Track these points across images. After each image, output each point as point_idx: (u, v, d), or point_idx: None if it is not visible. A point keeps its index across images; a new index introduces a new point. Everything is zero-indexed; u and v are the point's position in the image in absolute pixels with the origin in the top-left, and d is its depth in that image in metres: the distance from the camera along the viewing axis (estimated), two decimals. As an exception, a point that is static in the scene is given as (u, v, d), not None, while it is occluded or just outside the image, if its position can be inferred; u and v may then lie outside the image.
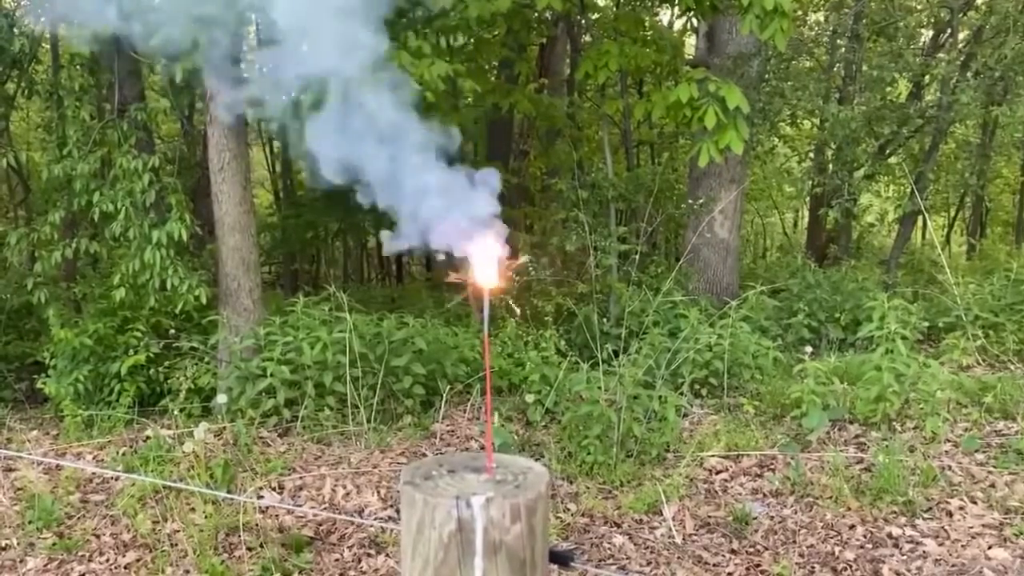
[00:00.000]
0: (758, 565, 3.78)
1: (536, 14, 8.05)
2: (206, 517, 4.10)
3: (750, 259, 15.57)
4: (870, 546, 3.90)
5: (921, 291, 8.86)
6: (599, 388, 5.05)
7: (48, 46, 8.26)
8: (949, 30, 10.80)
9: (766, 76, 9.60)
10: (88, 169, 6.06)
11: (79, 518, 4.31)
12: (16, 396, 6.76)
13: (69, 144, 6.12)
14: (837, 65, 11.78)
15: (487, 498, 1.27)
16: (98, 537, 4.11)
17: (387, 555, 3.91)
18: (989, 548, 3.82)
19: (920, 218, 12.02)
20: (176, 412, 5.35)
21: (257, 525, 4.07)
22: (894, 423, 5.40)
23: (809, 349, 6.06)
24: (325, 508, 4.43)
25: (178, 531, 4.02)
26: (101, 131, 6.31)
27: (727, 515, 4.26)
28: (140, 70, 7.66)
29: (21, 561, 3.87)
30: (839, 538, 3.99)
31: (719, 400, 6.13)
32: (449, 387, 5.96)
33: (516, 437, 5.35)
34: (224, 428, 5.33)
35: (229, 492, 4.46)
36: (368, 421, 5.46)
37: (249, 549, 3.88)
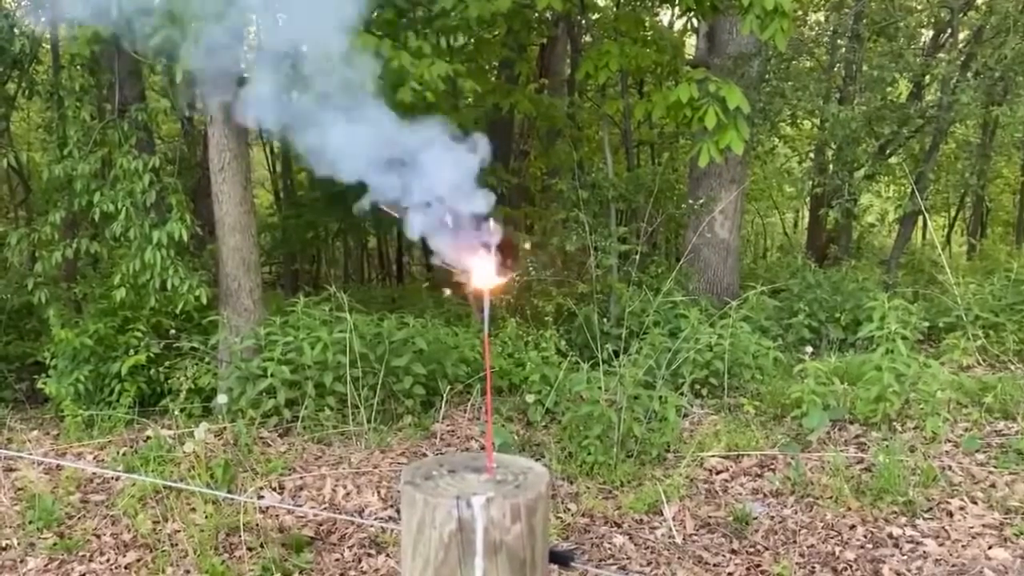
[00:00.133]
0: (758, 565, 3.78)
1: (536, 14, 8.05)
2: (206, 517, 4.10)
3: (750, 259, 15.56)
4: (870, 546, 3.90)
5: (921, 291, 8.86)
6: (599, 388, 5.05)
7: (48, 46, 8.27)
8: (949, 30, 10.79)
9: (766, 76, 9.60)
10: (89, 169, 6.06)
11: (79, 518, 4.31)
12: (17, 396, 6.76)
13: (70, 144, 6.12)
14: (837, 65, 11.77)
15: (487, 498, 1.27)
16: (98, 537, 4.11)
17: (387, 555, 3.92)
18: (989, 548, 3.82)
19: (920, 218, 12.02)
20: (176, 412, 5.35)
21: (257, 525, 4.08)
22: (894, 423, 5.40)
23: (809, 349, 6.06)
24: (325, 508, 4.44)
25: (178, 531, 4.03)
26: (102, 131, 6.31)
27: (727, 515, 4.26)
28: (140, 70, 7.66)
29: (22, 561, 3.87)
30: (839, 538, 3.99)
31: (719, 400, 6.13)
32: (449, 387, 5.96)
33: (516, 437, 5.35)
34: (224, 428, 5.33)
35: (229, 492, 4.46)
36: (368, 421, 5.46)
37: (249, 549, 3.88)
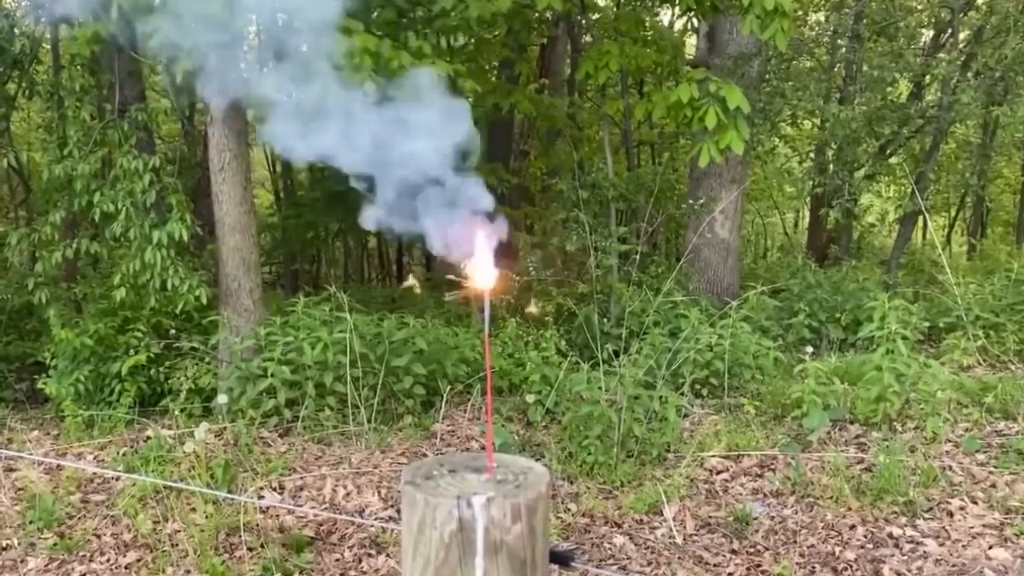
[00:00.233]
0: (759, 565, 3.78)
1: (536, 14, 8.05)
2: (207, 517, 4.10)
3: (751, 259, 15.56)
4: (871, 546, 3.90)
5: (922, 291, 8.86)
6: (600, 388, 5.05)
7: (49, 46, 8.27)
8: (950, 30, 10.79)
9: (767, 76, 9.60)
10: (89, 169, 6.07)
11: (80, 518, 4.31)
12: (17, 396, 6.76)
13: (70, 144, 6.13)
14: (838, 65, 11.77)
15: (488, 498, 1.27)
16: (99, 537, 4.11)
17: (388, 555, 3.92)
18: (990, 548, 3.82)
19: (921, 218, 12.02)
20: (177, 412, 5.35)
21: (258, 525, 4.08)
22: (895, 423, 5.40)
23: (810, 349, 6.06)
24: (326, 508, 4.44)
25: (179, 531, 4.03)
26: (102, 131, 6.31)
27: (728, 515, 4.26)
28: (141, 70, 7.66)
29: (22, 561, 3.87)
30: (840, 538, 3.99)
31: (720, 400, 6.13)
32: (449, 387, 5.96)
33: (517, 437, 5.35)
34: (225, 428, 5.33)
35: (230, 492, 4.46)
36: (369, 421, 5.46)
37: (250, 549, 3.88)
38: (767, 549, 3.93)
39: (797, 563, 3.78)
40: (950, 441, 5.12)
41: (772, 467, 4.92)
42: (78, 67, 6.45)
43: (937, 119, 9.68)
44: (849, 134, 9.59)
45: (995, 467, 4.69)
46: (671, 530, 4.13)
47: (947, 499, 4.31)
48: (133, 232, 5.96)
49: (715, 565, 3.80)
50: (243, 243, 5.97)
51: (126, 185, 6.03)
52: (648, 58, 7.61)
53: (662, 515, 4.28)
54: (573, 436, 5.05)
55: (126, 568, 3.82)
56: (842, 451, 4.98)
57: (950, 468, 4.70)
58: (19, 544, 4.00)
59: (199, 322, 6.30)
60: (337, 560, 3.89)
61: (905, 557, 3.79)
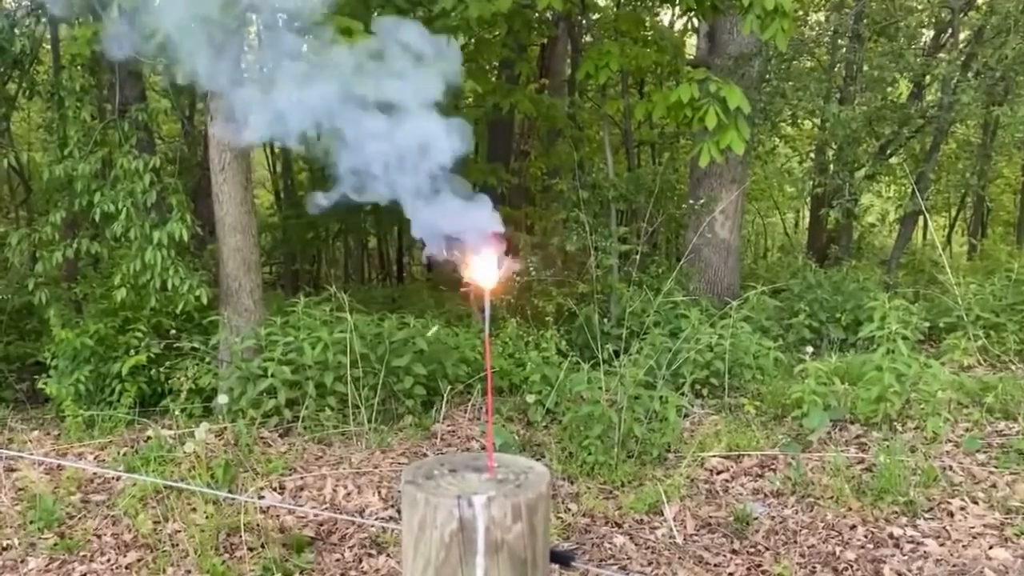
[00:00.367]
0: (759, 565, 3.78)
1: (537, 14, 8.05)
2: (207, 517, 4.10)
3: (751, 259, 15.57)
4: (871, 546, 3.90)
5: (922, 291, 8.86)
6: (600, 388, 5.05)
7: (49, 46, 8.27)
8: (950, 30, 10.79)
9: (767, 76, 9.60)
10: (89, 169, 6.07)
11: (80, 518, 4.31)
12: (17, 396, 6.76)
13: (70, 144, 6.13)
14: (838, 65, 11.78)
15: (488, 497, 1.27)
16: (99, 537, 4.11)
17: (388, 555, 3.92)
18: (990, 548, 3.82)
19: (921, 218, 12.02)
20: (177, 412, 5.35)
21: (258, 525, 4.08)
22: (895, 423, 5.40)
23: (810, 349, 6.06)
24: (326, 508, 4.44)
25: (179, 531, 4.03)
26: (102, 131, 6.31)
27: (728, 515, 4.26)
28: (141, 71, 7.66)
29: (22, 561, 3.87)
30: (840, 538, 3.99)
31: (720, 400, 6.13)
32: (450, 387, 5.96)
33: (517, 437, 5.35)
34: (225, 428, 5.33)
35: (230, 492, 4.46)
36: (369, 421, 5.46)
37: (250, 549, 3.88)
38: (767, 549, 3.93)
39: (797, 563, 3.78)
40: (950, 441, 5.12)
41: (772, 467, 4.92)
42: (78, 67, 6.45)
43: (937, 119, 9.69)
44: (849, 134, 9.60)
45: (995, 467, 4.69)
46: (671, 530, 4.13)
47: (947, 499, 4.31)
48: (133, 232, 5.97)
49: (715, 565, 3.80)
50: (243, 243, 5.97)
51: (126, 185, 6.03)
52: (648, 58, 7.62)
53: (662, 515, 4.28)
54: (573, 436, 5.05)
55: (126, 568, 3.83)
56: (842, 451, 4.98)
57: (950, 468, 4.70)
58: (19, 544, 4.00)
59: (199, 322, 6.30)
60: (337, 560, 3.89)
61: (906, 557, 3.79)
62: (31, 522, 4.17)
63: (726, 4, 6.55)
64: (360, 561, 3.88)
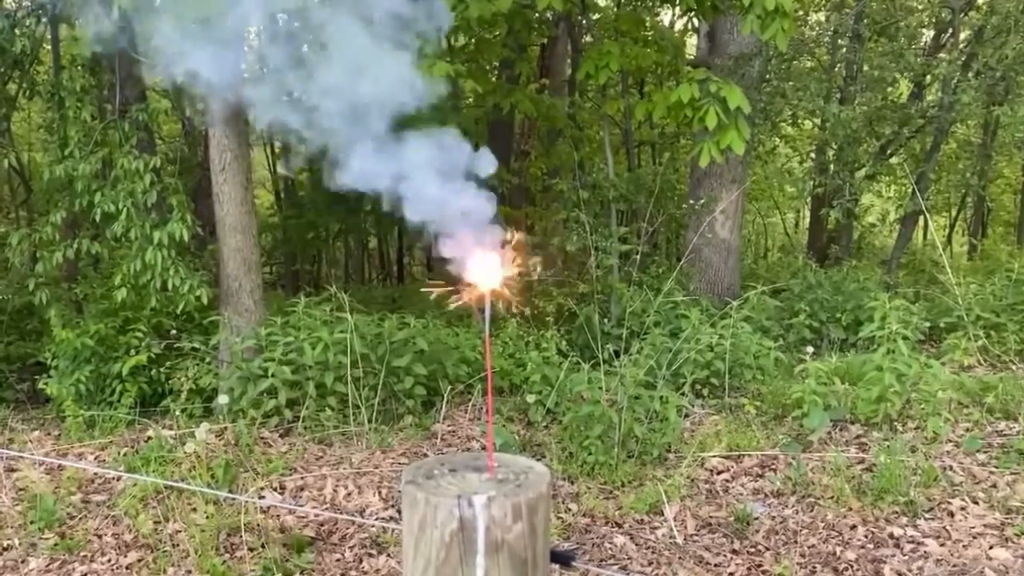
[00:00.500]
0: (759, 565, 3.78)
1: (537, 14, 8.06)
2: (207, 517, 4.10)
3: (751, 259, 15.57)
4: (871, 546, 3.90)
5: (922, 291, 8.85)
6: (600, 388, 5.05)
7: (49, 47, 8.27)
8: (950, 30, 10.80)
9: (767, 76, 9.60)
10: (89, 170, 6.07)
11: (81, 518, 4.31)
12: (18, 397, 6.77)
13: (70, 145, 6.13)
14: (838, 65, 11.78)
15: (489, 497, 1.27)
16: (100, 537, 4.11)
17: (388, 555, 3.92)
18: (990, 548, 3.82)
19: (921, 218, 12.02)
20: (177, 412, 5.36)
21: (258, 525, 4.08)
22: (895, 423, 5.40)
23: (810, 349, 6.05)
24: (326, 508, 4.44)
25: (179, 531, 4.03)
26: (102, 132, 6.32)
27: (728, 515, 4.26)
28: (141, 71, 7.66)
29: (23, 561, 3.88)
30: (840, 538, 3.99)
31: (720, 400, 6.13)
32: (450, 387, 5.96)
33: (517, 437, 5.35)
34: (225, 428, 5.33)
35: (230, 492, 4.47)
36: (369, 421, 5.46)
37: (250, 549, 3.88)
38: (768, 549, 3.93)
39: (798, 563, 3.78)
40: (951, 441, 5.12)
41: (773, 467, 4.92)
42: (79, 67, 6.46)
43: (938, 119, 9.68)
44: (850, 134, 9.60)
45: (996, 467, 4.69)
46: (672, 530, 4.13)
47: (948, 499, 4.31)
48: (134, 232, 5.97)
49: (716, 565, 3.80)
50: (244, 243, 5.97)
51: (127, 185, 6.03)
52: (649, 58, 7.62)
53: (663, 515, 4.28)
54: (574, 436, 5.05)
55: (127, 568, 3.83)
56: (843, 451, 4.98)
57: (951, 468, 4.69)
58: (20, 544, 4.00)
59: (200, 322, 6.30)
60: (338, 560, 3.89)
61: (906, 557, 3.79)
62: (32, 522, 4.17)
63: (726, 4, 6.55)
64: (360, 561, 3.88)
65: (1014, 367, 6.73)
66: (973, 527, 4.02)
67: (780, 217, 18.93)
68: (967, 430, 5.29)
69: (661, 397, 5.15)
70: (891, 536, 3.98)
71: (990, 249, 13.25)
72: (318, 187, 12.40)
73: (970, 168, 12.35)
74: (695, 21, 9.81)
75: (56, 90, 6.51)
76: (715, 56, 8.80)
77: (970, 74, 9.34)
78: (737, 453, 5.08)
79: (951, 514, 4.16)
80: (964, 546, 3.85)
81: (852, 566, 3.73)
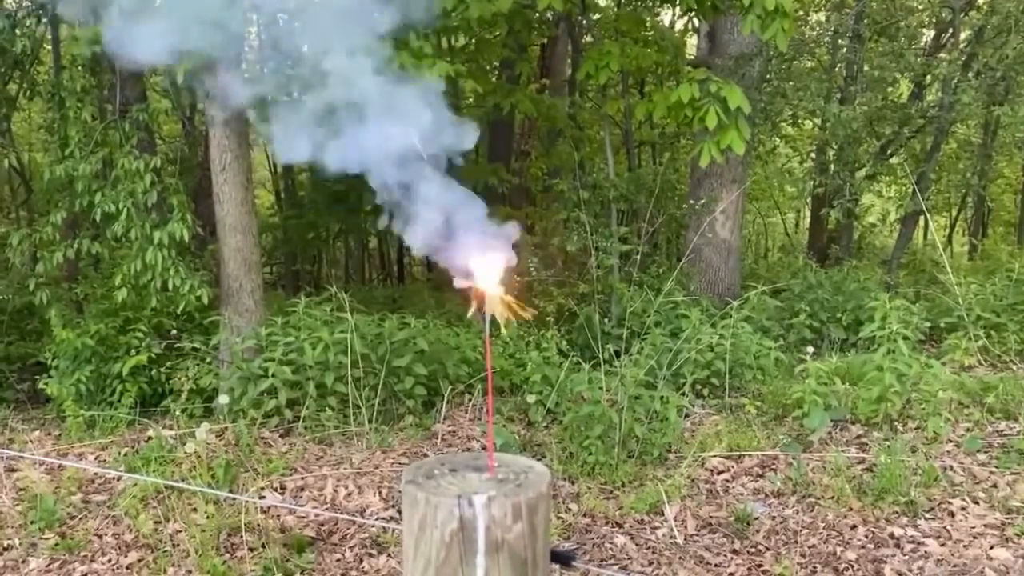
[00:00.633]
0: (760, 565, 3.78)
1: (537, 14, 8.05)
2: (208, 517, 4.10)
3: (752, 259, 15.56)
4: (872, 546, 3.90)
5: (923, 291, 8.85)
6: (600, 388, 5.05)
7: (50, 47, 8.27)
8: (951, 30, 10.79)
9: (767, 76, 9.60)
10: (90, 170, 6.07)
11: (81, 518, 4.31)
12: (18, 397, 6.77)
13: (71, 145, 6.13)
14: (839, 65, 11.77)
15: (489, 497, 1.27)
16: (100, 537, 4.11)
17: (389, 555, 3.92)
18: (991, 548, 3.82)
19: (922, 218, 12.01)
20: (178, 412, 5.36)
21: (259, 525, 4.08)
22: (896, 423, 5.40)
23: (811, 349, 6.05)
24: (327, 508, 4.44)
25: (180, 531, 4.03)
26: (103, 132, 6.32)
27: (729, 515, 4.26)
28: (142, 71, 7.67)
29: (23, 561, 3.88)
30: (841, 538, 3.99)
31: (721, 400, 6.13)
32: (451, 387, 5.96)
33: (517, 437, 5.35)
34: (226, 428, 5.33)
35: (231, 492, 4.47)
36: (369, 421, 5.46)
37: (251, 549, 3.89)
38: (768, 549, 3.93)
39: (798, 563, 3.78)
40: (951, 441, 5.12)
41: (773, 467, 4.92)
42: (79, 67, 6.46)
43: (938, 119, 9.68)
44: (850, 134, 9.60)
45: (996, 467, 4.69)
46: (672, 530, 4.13)
47: (948, 499, 4.31)
48: (134, 232, 5.97)
49: (716, 565, 3.80)
50: (244, 243, 5.98)
51: (127, 185, 6.04)
52: (649, 58, 7.61)
53: (663, 515, 4.28)
54: (574, 436, 5.05)
55: (127, 568, 3.83)
56: (843, 451, 4.97)
57: (951, 468, 4.69)
58: (20, 544, 4.00)
59: (200, 322, 6.30)
60: (338, 560, 3.89)
61: (906, 557, 3.79)
62: (32, 522, 4.17)
63: (726, 4, 6.55)
64: (361, 561, 3.88)
65: (1014, 367, 6.73)
66: (973, 527, 4.02)
67: (780, 217, 18.93)
68: (967, 430, 5.29)
69: (661, 397, 5.15)
70: (891, 536, 3.98)
71: (990, 249, 13.24)
72: (318, 187, 12.40)
73: (970, 168, 12.35)
74: (695, 21, 9.81)
75: (56, 90, 6.51)
76: (715, 56, 8.80)
77: (970, 74, 9.34)
78: (737, 453, 5.08)
79: (951, 514, 4.16)
80: (965, 546, 3.85)
81: (852, 566, 3.73)
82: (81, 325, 6.08)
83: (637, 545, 4.02)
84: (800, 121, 11.76)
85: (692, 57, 10.03)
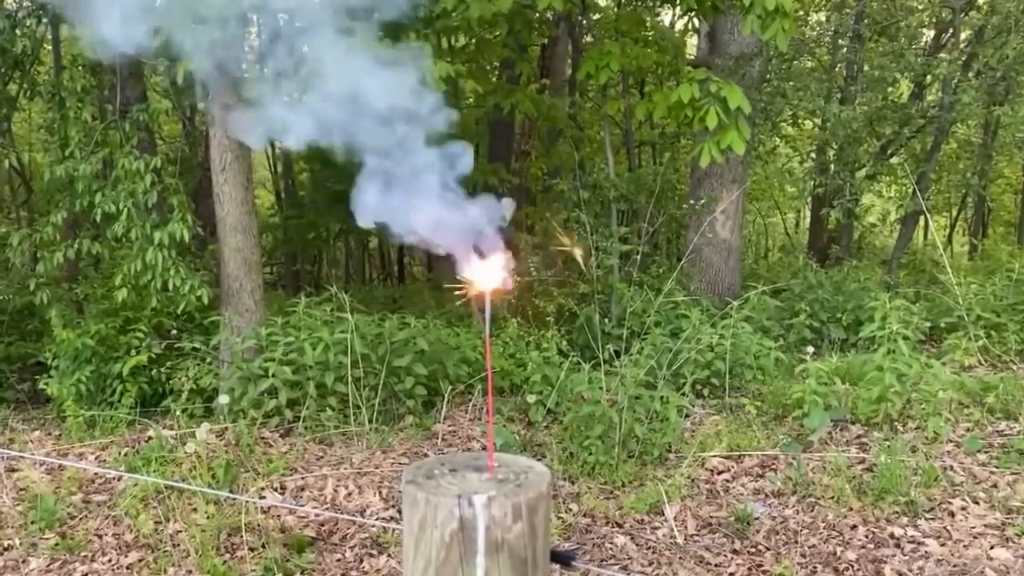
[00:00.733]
0: (760, 565, 3.78)
1: (537, 14, 8.05)
2: (208, 517, 4.10)
3: (752, 259, 15.57)
4: (872, 546, 3.90)
5: (923, 291, 8.85)
6: (601, 388, 5.05)
7: (50, 47, 8.28)
8: (951, 30, 10.79)
9: (767, 76, 9.60)
10: (90, 170, 6.07)
11: (81, 518, 4.31)
12: (19, 397, 6.77)
13: (71, 145, 6.13)
14: (839, 65, 11.78)
15: (489, 497, 1.27)
16: (100, 537, 4.11)
17: (389, 555, 3.92)
18: (991, 548, 3.82)
19: (922, 218, 12.01)
20: (178, 412, 5.36)
21: (259, 525, 4.08)
22: (896, 423, 5.40)
23: (811, 349, 6.05)
24: (327, 508, 4.44)
25: (180, 531, 4.03)
26: (103, 132, 6.32)
27: (729, 515, 4.26)
28: (142, 71, 7.67)
29: (24, 561, 3.88)
30: (841, 538, 3.99)
31: (721, 400, 6.13)
32: (451, 387, 5.96)
33: (518, 437, 5.35)
34: (226, 428, 5.33)
35: (231, 492, 4.47)
36: (370, 421, 5.46)
37: (251, 549, 3.89)
38: (768, 549, 3.93)
39: (798, 563, 3.78)
40: (951, 441, 5.12)
41: (773, 467, 4.92)
42: (79, 68, 6.46)
43: (938, 119, 9.68)
44: (850, 134, 9.60)
45: (996, 467, 4.69)
46: (672, 530, 4.13)
47: (948, 499, 4.31)
48: (134, 233, 5.97)
49: (716, 565, 3.80)
50: (244, 243, 5.98)
51: (127, 186, 6.04)
52: (649, 58, 7.62)
53: (663, 515, 4.28)
54: (574, 436, 5.05)
55: (128, 568, 3.83)
56: (843, 451, 4.97)
57: (951, 468, 4.69)
58: (21, 544, 4.00)
59: (200, 322, 6.31)
60: (338, 560, 3.89)
61: (906, 557, 3.79)
62: (32, 522, 4.18)
63: (727, 4, 6.55)
64: (361, 561, 3.89)
65: (1015, 367, 6.73)
66: (974, 527, 4.02)
67: (780, 217, 18.93)
68: (968, 430, 5.29)
69: (662, 397, 5.15)
70: (892, 536, 3.98)
71: (991, 249, 13.25)
72: (319, 187, 12.41)
73: (971, 168, 12.35)
74: (695, 21, 9.82)
75: (57, 90, 6.52)
76: (715, 56, 8.80)
77: (970, 74, 9.34)
78: (738, 453, 5.08)
79: (952, 514, 4.16)
80: (965, 546, 3.85)
81: (853, 566, 3.73)
82: (81, 325, 6.08)
83: (637, 545, 4.02)
84: (800, 121, 11.76)
85: (692, 57, 10.03)
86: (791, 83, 9.85)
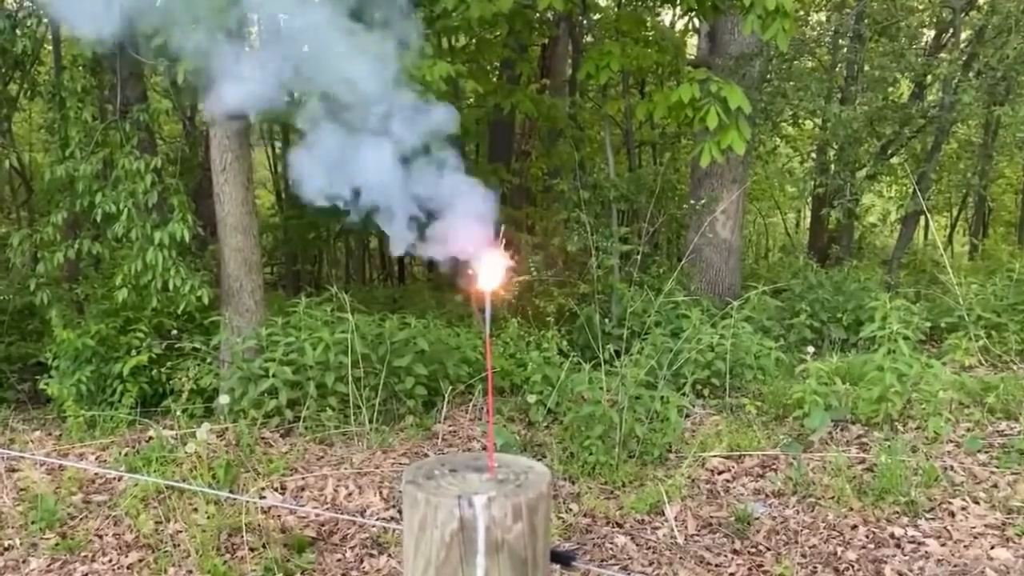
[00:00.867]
0: (760, 565, 3.78)
1: (538, 14, 8.06)
2: (208, 517, 4.10)
3: (752, 259, 15.57)
4: (872, 546, 3.90)
5: (923, 291, 8.85)
6: (601, 388, 5.05)
7: (51, 47, 8.28)
8: (951, 30, 10.79)
9: (768, 76, 9.59)
10: (90, 170, 6.07)
11: (82, 518, 4.31)
12: (19, 397, 6.77)
13: (71, 145, 6.13)
14: (839, 65, 11.77)
15: (489, 497, 1.27)
16: (101, 537, 4.11)
17: (389, 555, 3.92)
18: (991, 548, 3.82)
19: (922, 218, 12.01)
20: (178, 413, 5.36)
21: (259, 525, 4.08)
22: (896, 423, 5.40)
23: (811, 349, 6.05)
24: (327, 508, 4.44)
25: (180, 531, 4.03)
26: (103, 132, 6.32)
27: (729, 515, 4.26)
28: (142, 71, 7.67)
29: (24, 561, 3.88)
30: (841, 538, 3.99)
31: (721, 400, 6.13)
32: (451, 387, 5.96)
33: (518, 437, 5.35)
34: (226, 428, 5.34)
35: (231, 492, 4.47)
36: (370, 421, 5.46)
37: (251, 549, 3.89)
38: (769, 549, 3.93)
39: (799, 563, 3.78)
40: (952, 441, 5.12)
41: (774, 467, 4.92)
42: (80, 68, 6.46)
43: (939, 119, 9.68)
44: (850, 134, 9.59)
45: (997, 467, 4.68)
46: (672, 530, 4.13)
47: (949, 499, 4.31)
48: (135, 233, 5.97)
49: (716, 565, 3.80)
50: (245, 243, 5.98)
51: (128, 186, 6.04)
52: (649, 58, 7.62)
53: (663, 515, 4.28)
54: (574, 436, 5.05)
55: (128, 568, 3.83)
56: (844, 451, 4.97)
57: (952, 468, 4.69)
58: (21, 544, 4.00)
59: (201, 323, 6.31)
60: (339, 560, 3.89)
61: (907, 557, 3.79)
62: (33, 522, 4.18)
63: (727, 4, 6.55)
64: (361, 561, 3.89)
65: (1015, 367, 6.73)
66: (974, 527, 4.02)
67: (781, 217, 18.92)
68: (968, 430, 5.29)
69: (662, 397, 5.15)
70: (892, 536, 3.98)
71: (991, 249, 13.24)
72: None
73: (971, 168, 12.35)
74: (696, 21, 9.82)
75: (57, 90, 6.52)
76: (716, 56, 8.80)
77: (971, 74, 9.34)
78: (738, 453, 5.08)
79: (952, 514, 4.16)
80: (965, 546, 3.85)
81: (853, 566, 3.73)
82: (82, 325, 6.08)
83: (637, 545, 4.02)
84: (800, 121, 11.75)
85: (692, 57, 10.03)
86: (791, 83, 9.84)
